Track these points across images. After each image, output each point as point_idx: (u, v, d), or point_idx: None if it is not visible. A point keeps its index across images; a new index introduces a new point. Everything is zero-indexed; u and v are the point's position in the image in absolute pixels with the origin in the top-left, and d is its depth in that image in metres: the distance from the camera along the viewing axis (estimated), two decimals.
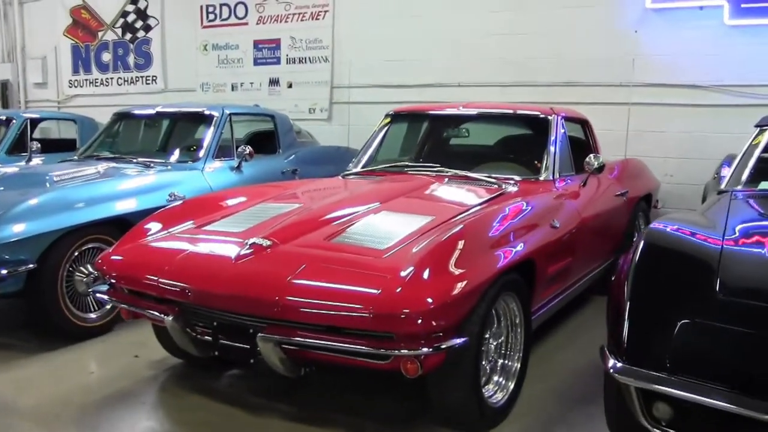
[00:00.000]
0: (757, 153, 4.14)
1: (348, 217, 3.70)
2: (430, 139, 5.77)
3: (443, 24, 8.25)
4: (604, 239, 5.20)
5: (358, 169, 5.16)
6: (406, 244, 3.23)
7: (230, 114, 6.42)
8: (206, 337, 3.34)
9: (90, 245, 4.72)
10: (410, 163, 5.21)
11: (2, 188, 5.02)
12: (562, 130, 4.97)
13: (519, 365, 3.63)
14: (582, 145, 5.56)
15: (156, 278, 3.35)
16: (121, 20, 10.95)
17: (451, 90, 8.06)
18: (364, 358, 2.94)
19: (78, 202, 4.69)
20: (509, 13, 7.86)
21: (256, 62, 9.79)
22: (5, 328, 5.10)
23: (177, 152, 6.27)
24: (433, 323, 2.80)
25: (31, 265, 4.31)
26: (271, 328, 3.05)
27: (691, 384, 2.16)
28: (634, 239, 5.76)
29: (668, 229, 2.94)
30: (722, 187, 4.04)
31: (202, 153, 6.03)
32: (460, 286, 2.92)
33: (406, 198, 4.17)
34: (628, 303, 2.46)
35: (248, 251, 3.26)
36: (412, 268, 2.92)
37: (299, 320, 2.98)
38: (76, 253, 4.64)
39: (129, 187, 5.19)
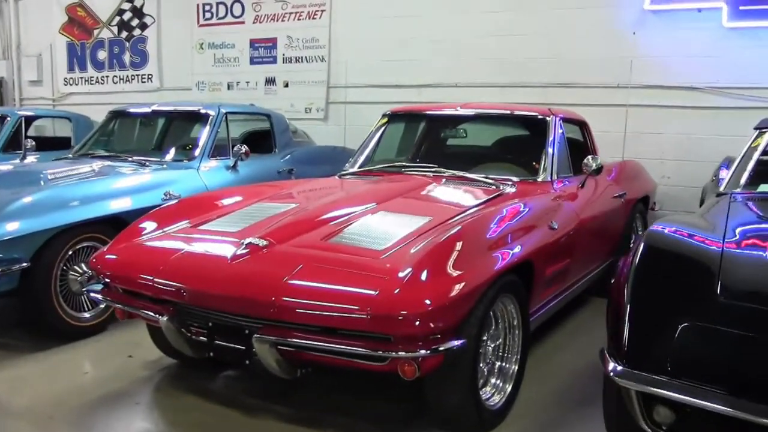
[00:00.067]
0: (756, 155, 4.13)
1: (345, 218, 3.67)
2: (428, 140, 5.74)
3: (441, 24, 8.22)
4: (602, 241, 5.18)
5: (355, 169, 5.14)
6: (404, 245, 3.21)
7: (226, 113, 6.40)
8: (201, 338, 3.31)
9: (84, 244, 4.68)
10: (407, 164, 5.19)
11: None
12: (560, 131, 4.95)
13: (517, 367, 3.61)
14: (580, 147, 5.54)
15: (151, 278, 3.32)
16: (117, 18, 10.90)
17: (448, 90, 8.04)
18: (360, 359, 2.91)
19: (72, 200, 4.66)
20: (507, 14, 7.83)
21: (252, 61, 9.75)
22: None
23: (172, 151, 6.24)
24: (431, 325, 2.78)
25: (24, 264, 4.28)
26: (267, 329, 3.02)
27: (693, 388, 2.13)
28: (632, 241, 5.78)
29: (668, 232, 2.92)
30: (721, 189, 4.02)
31: (197, 152, 6.00)
32: (458, 287, 2.89)
33: (404, 198, 4.15)
34: (629, 306, 2.43)
35: (244, 251, 3.24)
36: (410, 270, 2.89)
37: (295, 321, 2.95)
38: (70, 252, 4.61)
39: (124, 185, 5.16)
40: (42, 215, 4.40)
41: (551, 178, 4.63)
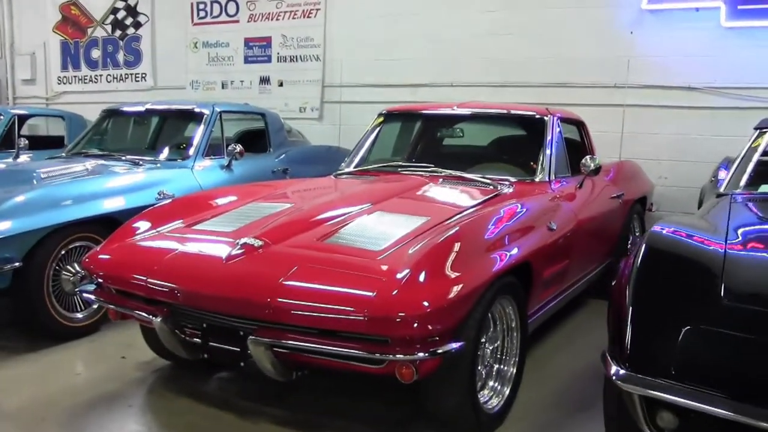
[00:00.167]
0: (756, 156, 4.10)
1: (341, 218, 3.63)
2: (424, 139, 5.70)
3: (437, 23, 8.18)
4: (600, 242, 5.15)
5: (351, 168, 5.09)
6: (402, 245, 3.17)
7: (221, 112, 6.36)
8: (195, 339, 3.26)
9: (77, 244, 4.65)
10: (404, 163, 5.15)
11: None
12: (558, 131, 4.92)
13: (515, 370, 3.57)
14: (577, 147, 5.51)
15: (144, 278, 3.27)
16: (111, 17, 10.84)
17: (444, 90, 8.00)
18: (357, 362, 2.87)
19: (65, 199, 4.62)
20: (503, 13, 7.80)
21: (246, 60, 9.70)
22: None
23: (166, 150, 6.20)
24: (429, 327, 2.73)
25: (17, 264, 4.24)
26: (263, 330, 2.97)
27: (697, 392, 2.09)
28: (629, 243, 5.75)
29: (670, 233, 2.88)
30: (721, 190, 3.98)
31: (191, 151, 5.96)
32: (456, 289, 2.85)
33: (400, 198, 4.11)
34: (631, 308, 2.39)
35: (239, 251, 3.19)
36: (408, 271, 2.85)
37: (291, 323, 2.90)
38: (63, 252, 4.57)
39: (117, 185, 5.12)
40: (34, 214, 4.36)
41: (549, 178, 4.59)
